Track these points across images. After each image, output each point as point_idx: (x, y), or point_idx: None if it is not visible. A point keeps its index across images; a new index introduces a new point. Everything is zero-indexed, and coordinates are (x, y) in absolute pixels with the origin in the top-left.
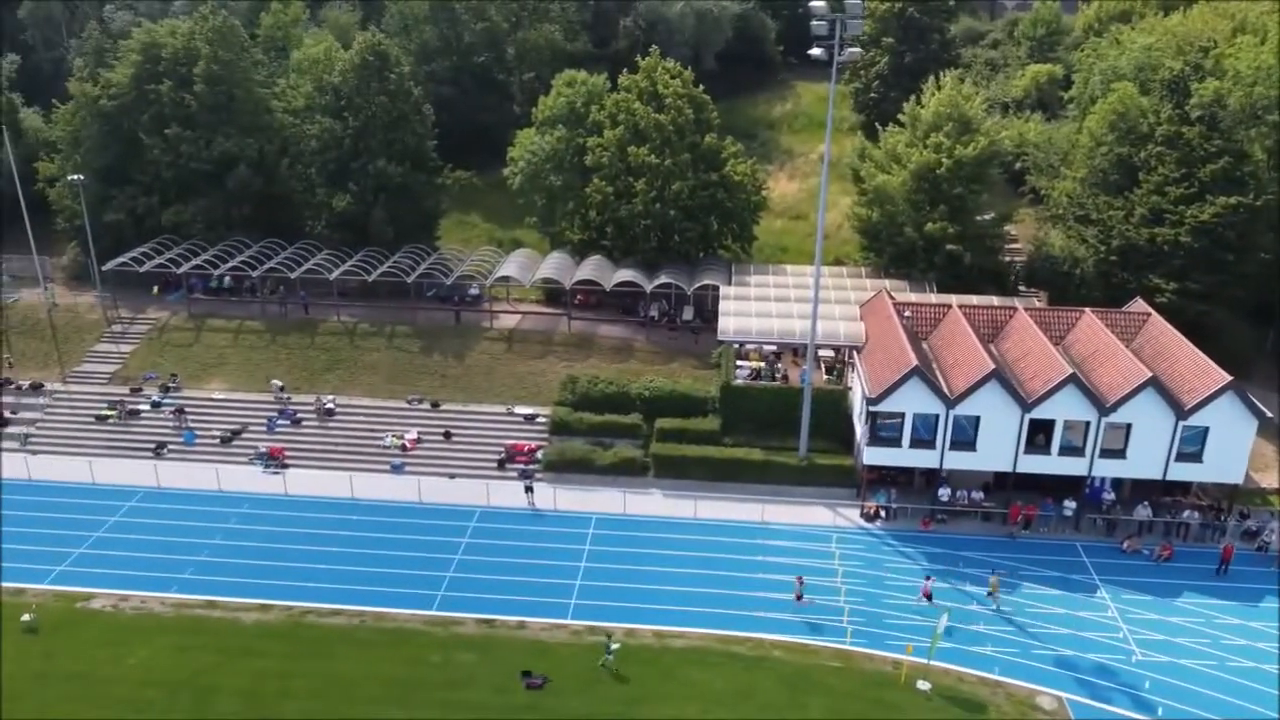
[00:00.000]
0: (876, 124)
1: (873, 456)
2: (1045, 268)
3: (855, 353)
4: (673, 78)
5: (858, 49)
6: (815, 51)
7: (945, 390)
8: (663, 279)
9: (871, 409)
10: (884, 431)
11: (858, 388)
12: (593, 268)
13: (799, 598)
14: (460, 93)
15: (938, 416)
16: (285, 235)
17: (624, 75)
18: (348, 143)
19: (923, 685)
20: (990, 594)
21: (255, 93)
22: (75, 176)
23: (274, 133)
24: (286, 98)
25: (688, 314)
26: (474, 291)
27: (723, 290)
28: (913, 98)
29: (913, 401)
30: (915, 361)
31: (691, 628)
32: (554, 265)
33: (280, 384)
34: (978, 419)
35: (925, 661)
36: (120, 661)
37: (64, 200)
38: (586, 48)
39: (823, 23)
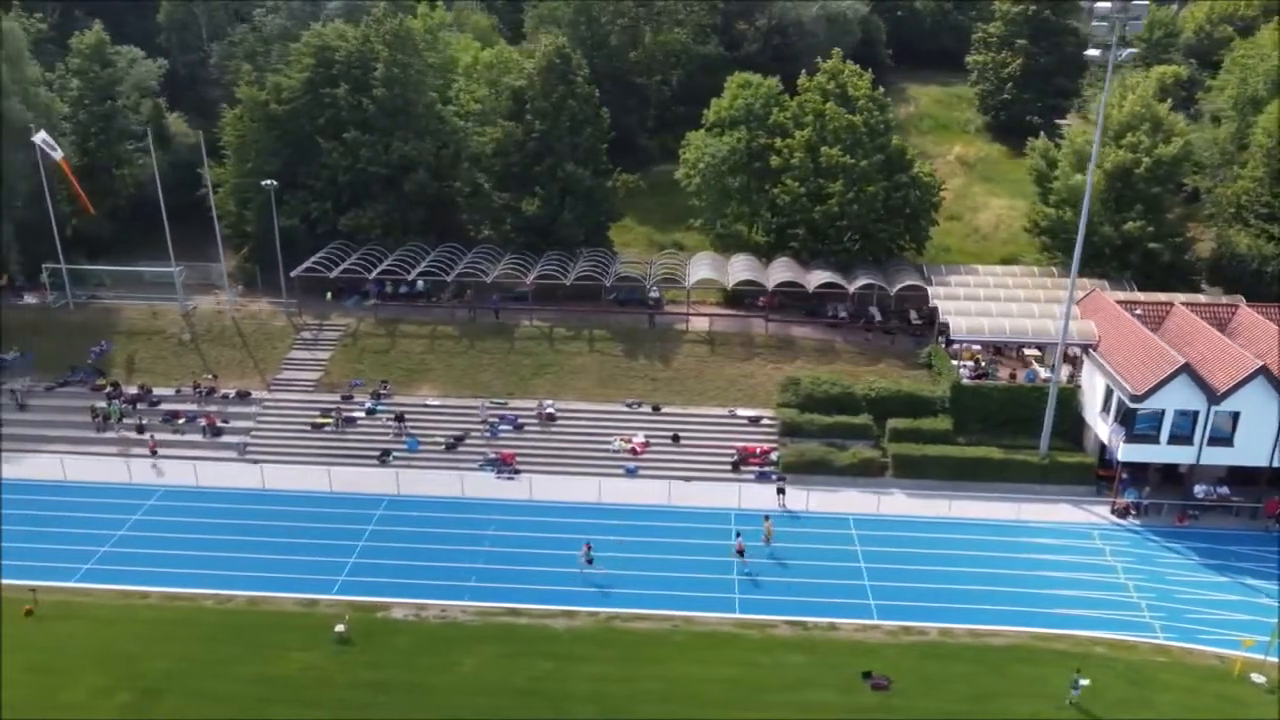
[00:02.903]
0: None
1: (1129, 453)
2: (1232, 266)
3: (1087, 351)
4: (860, 80)
5: (1134, 49)
6: (1093, 52)
7: (1211, 387)
8: (863, 280)
9: (1133, 406)
10: (1141, 428)
11: (1092, 385)
12: (785, 269)
13: (740, 552)
14: (601, 96)
15: (1197, 413)
16: (453, 239)
17: (804, 78)
18: (531, 146)
19: (1257, 679)
20: None
21: (429, 95)
22: (268, 182)
23: (447, 136)
24: (460, 101)
25: (874, 314)
26: (654, 294)
27: (932, 291)
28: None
29: (1174, 398)
30: (1183, 359)
31: (1003, 625)
32: (744, 267)
33: (499, 397)
34: (1237, 415)
35: (1262, 657)
36: (450, 670)
37: (227, 206)
38: (717, 50)
39: (1103, 23)
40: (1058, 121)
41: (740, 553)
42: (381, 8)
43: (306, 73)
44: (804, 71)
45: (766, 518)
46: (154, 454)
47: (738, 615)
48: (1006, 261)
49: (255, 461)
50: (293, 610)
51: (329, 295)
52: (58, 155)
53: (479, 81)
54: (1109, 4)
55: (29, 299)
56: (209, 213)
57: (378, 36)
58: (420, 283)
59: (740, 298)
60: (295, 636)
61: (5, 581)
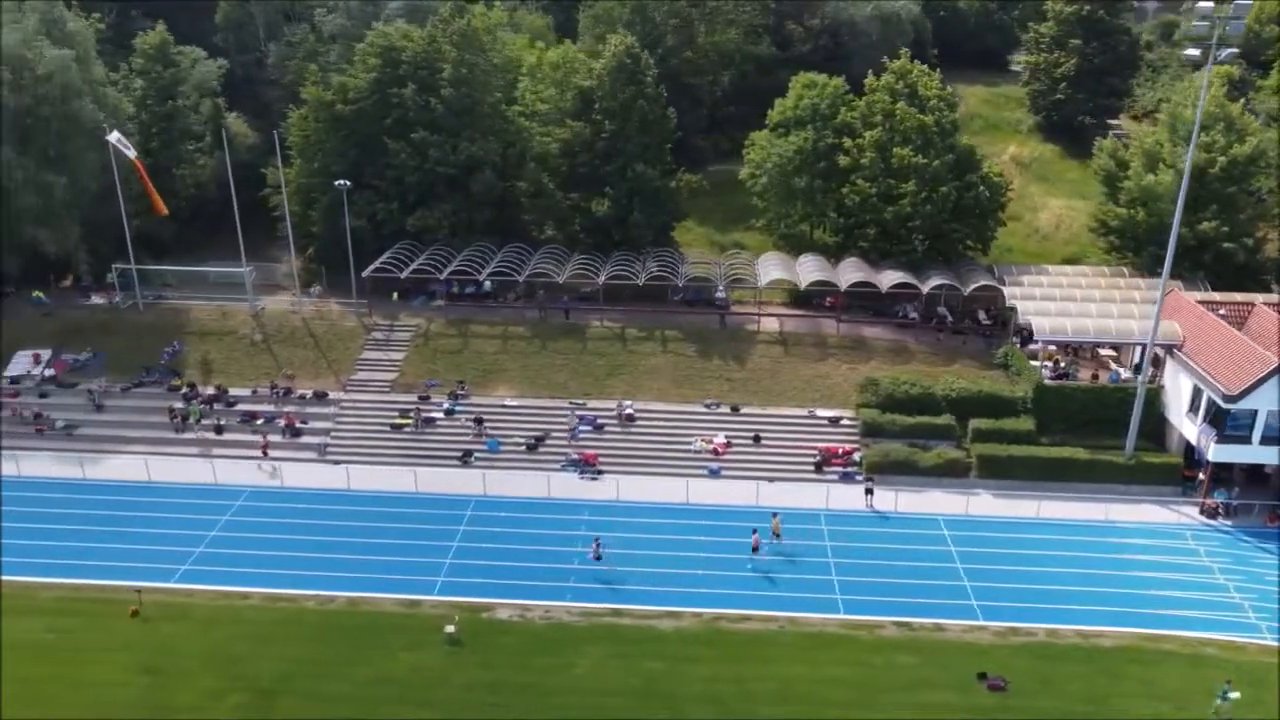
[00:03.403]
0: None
1: (1220, 454)
2: None
3: (1172, 351)
4: (930, 79)
5: (1234, 49)
6: (1192, 52)
7: None
8: (936, 280)
9: (1226, 406)
10: (1233, 429)
11: (1177, 385)
12: (855, 270)
13: (755, 549)
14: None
15: None
16: (515, 239)
17: (870, 77)
18: (600, 146)
19: None
20: None
21: (494, 95)
22: (341, 182)
23: (513, 135)
24: (526, 101)
25: (944, 315)
26: (720, 295)
27: (1008, 291)
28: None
29: (1268, 398)
30: (1277, 359)
31: (1109, 626)
32: (814, 267)
33: (577, 398)
34: None
35: None
36: (564, 671)
37: (291, 206)
38: (770, 51)
39: (1204, 23)
40: (1109, 121)
41: (755, 549)
42: (448, 8)
43: (373, 73)
44: (870, 71)
45: (775, 514)
46: (265, 455)
47: (842, 616)
48: (1069, 262)
49: (336, 462)
50: (396, 611)
51: (395, 295)
52: (132, 154)
53: (544, 82)
54: (1210, 3)
55: (95, 299)
56: (270, 213)
57: (445, 36)
58: (488, 283)
59: (807, 298)
60: (403, 637)
61: (107, 582)
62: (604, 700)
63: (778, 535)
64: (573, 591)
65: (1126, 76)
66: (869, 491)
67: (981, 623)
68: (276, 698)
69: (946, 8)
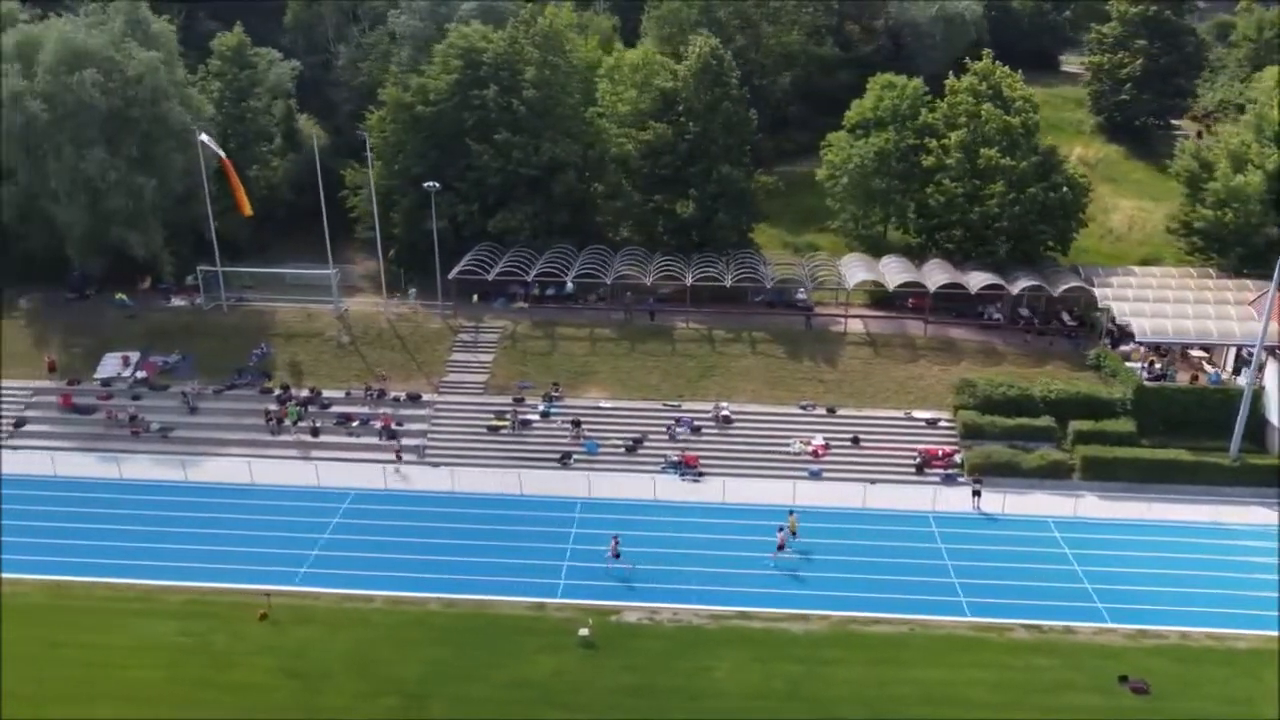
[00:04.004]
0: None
1: None
2: None
3: (1274, 351)
4: (1014, 81)
5: None
6: None
7: None
8: (1024, 282)
9: None
10: None
11: (1277, 386)
12: (942, 271)
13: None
14: None
15: None
16: (592, 241)
17: (951, 79)
18: (683, 148)
19: None
20: None
21: (574, 97)
22: (430, 184)
23: (591, 137)
24: (606, 102)
25: (1028, 316)
26: (802, 296)
27: (1099, 293)
28: (1257, 98)
29: None
30: None
31: (1240, 629)
32: (899, 269)
33: (672, 400)
34: None
35: None
36: (705, 674)
37: (367, 208)
38: (834, 52)
39: None
40: (1172, 122)
41: (781, 547)
42: (528, 9)
43: (455, 74)
44: (950, 72)
45: (791, 512)
46: (399, 459)
47: (969, 618)
48: (1146, 263)
49: (435, 464)
50: (523, 614)
51: (475, 297)
52: (222, 155)
53: (624, 83)
54: None
55: (176, 301)
56: (347, 214)
57: (527, 37)
58: (569, 285)
59: (889, 299)
60: (536, 640)
61: (229, 585)
62: (751, 703)
63: (794, 533)
64: (696, 594)
65: (1192, 77)
66: (976, 494)
67: (1110, 625)
68: (425, 700)
69: (999, 7)
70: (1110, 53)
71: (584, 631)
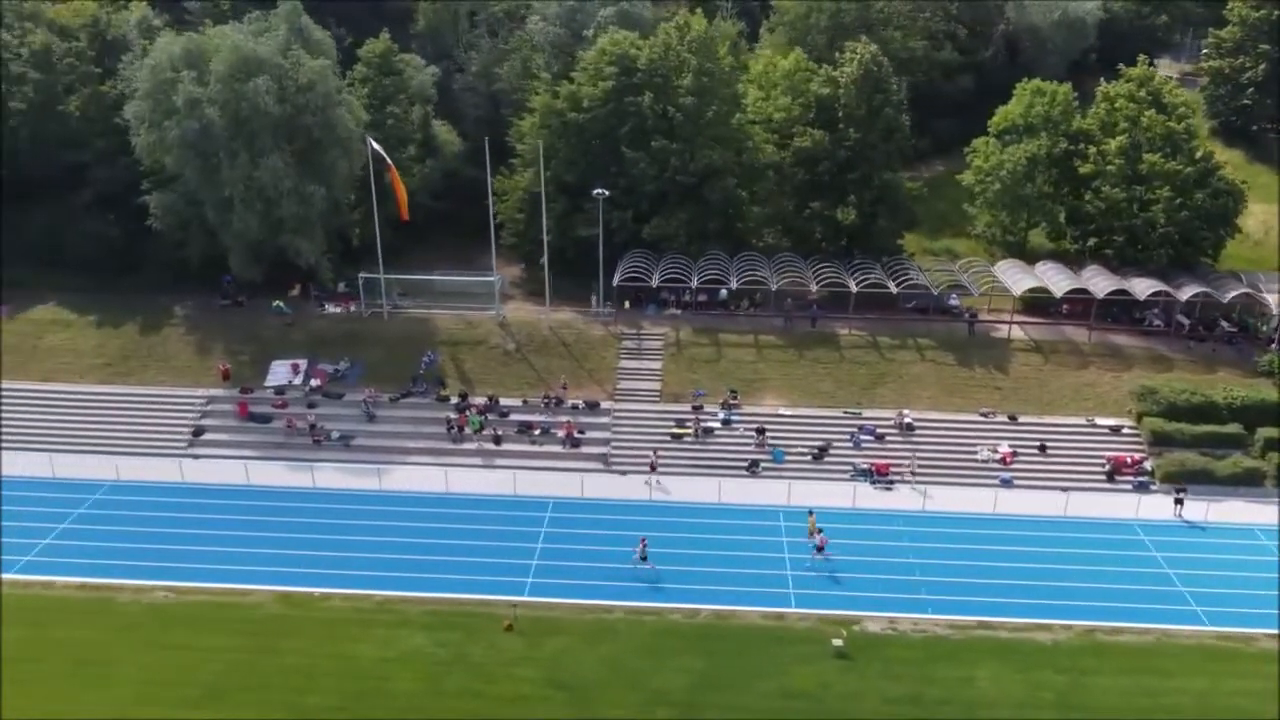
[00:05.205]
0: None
1: None
2: None
3: None
4: (1173, 86)
5: None
6: None
7: None
8: (1192, 288)
9: None
10: None
11: None
12: (1104, 277)
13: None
14: None
15: None
16: (742, 247)
17: (1103, 84)
18: (841, 154)
19: None
20: None
21: (730, 104)
22: (599, 192)
23: (743, 143)
24: (757, 108)
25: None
26: (953, 302)
27: (1272, 299)
28: None
29: None
30: None
31: None
32: (1058, 275)
33: (851, 408)
34: None
35: None
36: (969, 685)
37: (514, 214)
38: (953, 56)
39: None
40: None
41: (820, 549)
42: (682, 15)
43: (610, 81)
44: (1102, 78)
45: (810, 513)
46: (654, 470)
47: (1209, 627)
48: None
49: (623, 473)
50: (765, 624)
51: (626, 304)
52: (389, 160)
53: (777, 89)
54: None
55: (330, 308)
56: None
57: (682, 44)
58: (723, 291)
59: (1042, 305)
60: (787, 650)
61: (464, 596)
62: (1027, 713)
63: (813, 534)
64: (932, 604)
65: None
66: (1179, 501)
67: None
68: (698, 711)
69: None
70: (1230, 57)
71: (837, 642)
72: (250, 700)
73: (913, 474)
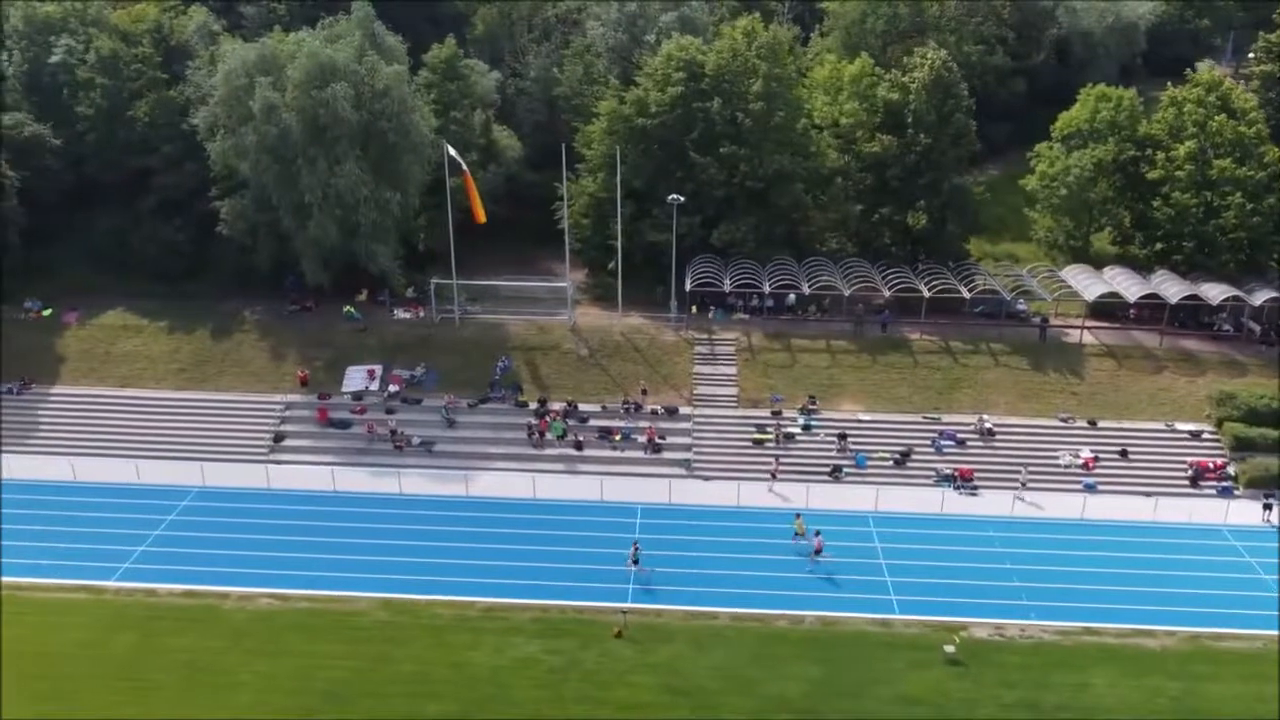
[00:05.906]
0: None
1: None
2: None
3: None
4: (1241, 92)
5: None
6: None
7: None
8: (1267, 293)
9: None
10: None
11: None
12: (1174, 283)
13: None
14: None
15: None
16: (808, 252)
17: (1169, 89)
18: (910, 159)
19: None
20: None
21: (795, 109)
22: (674, 197)
23: (808, 148)
24: (824, 114)
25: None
26: (1021, 307)
27: None
28: None
29: None
30: None
31: None
32: (1126, 280)
33: (930, 413)
34: None
35: None
36: (1085, 691)
37: (581, 219)
38: (1006, 62)
39: None
40: None
41: (818, 551)
42: (747, 21)
43: (678, 87)
44: (1168, 83)
45: (798, 515)
46: (774, 478)
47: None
48: None
49: (706, 478)
50: (872, 630)
51: (693, 309)
52: (464, 166)
53: (844, 94)
54: None
55: (400, 314)
56: (554, 225)
57: (751, 50)
58: (792, 296)
59: (1110, 310)
60: (898, 656)
61: (567, 603)
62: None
63: (801, 535)
64: (1035, 610)
65: None
66: (1268, 507)
67: None
68: (820, 717)
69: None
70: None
71: (949, 648)
72: (371, 708)
73: (1023, 485)
